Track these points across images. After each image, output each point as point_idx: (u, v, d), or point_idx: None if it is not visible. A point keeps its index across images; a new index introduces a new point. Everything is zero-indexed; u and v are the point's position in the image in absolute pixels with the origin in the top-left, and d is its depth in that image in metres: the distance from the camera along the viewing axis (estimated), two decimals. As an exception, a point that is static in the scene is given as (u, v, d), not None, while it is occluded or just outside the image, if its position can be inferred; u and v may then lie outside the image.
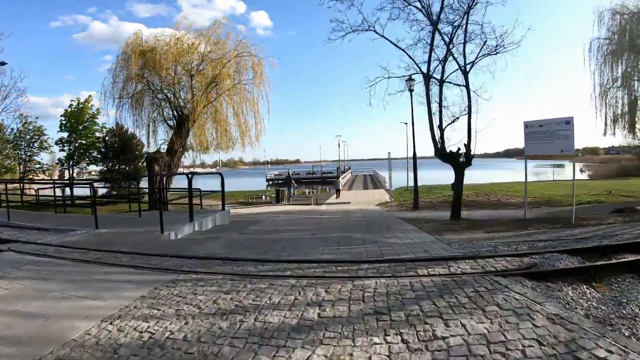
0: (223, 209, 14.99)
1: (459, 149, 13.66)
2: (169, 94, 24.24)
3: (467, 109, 13.57)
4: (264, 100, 25.79)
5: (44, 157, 35.06)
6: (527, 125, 12.76)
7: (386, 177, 48.74)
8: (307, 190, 42.86)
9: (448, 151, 13.83)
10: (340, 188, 37.83)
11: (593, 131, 24.46)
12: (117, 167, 33.05)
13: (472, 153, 13.58)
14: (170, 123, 24.76)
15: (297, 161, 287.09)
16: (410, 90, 20.58)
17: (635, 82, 20.84)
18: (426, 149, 20.60)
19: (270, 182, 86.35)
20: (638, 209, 13.56)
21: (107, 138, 33.11)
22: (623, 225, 10.05)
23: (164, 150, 24.00)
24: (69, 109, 32.70)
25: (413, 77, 17.19)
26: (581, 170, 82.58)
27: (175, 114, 24.13)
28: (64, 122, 32.95)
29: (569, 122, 11.83)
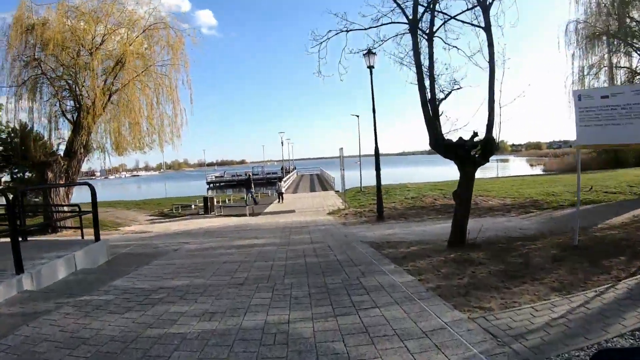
0: (97, 239, 9.51)
1: (475, 134, 8.25)
2: (69, 81, 19.32)
3: (489, 68, 8.23)
4: (184, 86, 21.32)
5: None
6: (581, 96, 7.77)
7: (336, 177, 44.18)
8: (245, 195, 37.56)
9: (454, 140, 8.55)
10: (283, 192, 33.46)
11: (567, 121, 21.90)
12: (19, 175, 27.03)
13: (495, 141, 8.34)
14: (70, 117, 19.93)
15: (243, 162, 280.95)
16: (370, 54, 15.29)
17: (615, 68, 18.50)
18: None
19: (212, 185, 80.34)
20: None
21: (9, 139, 26.62)
22: None
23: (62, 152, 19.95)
24: None
25: (383, 28, 10.97)
26: (531, 165, 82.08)
27: (77, 105, 19.52)
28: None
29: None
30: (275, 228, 15.52)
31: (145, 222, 22.42)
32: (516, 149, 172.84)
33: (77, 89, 19.00)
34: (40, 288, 6.92)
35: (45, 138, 20.82)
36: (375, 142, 17.16)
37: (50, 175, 18.57)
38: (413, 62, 9.11)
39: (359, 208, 20.88)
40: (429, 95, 8.74)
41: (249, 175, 36.81)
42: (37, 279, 7.00)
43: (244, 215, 21.99)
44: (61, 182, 18.70)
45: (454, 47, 9.20)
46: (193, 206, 26.53)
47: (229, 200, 33.50)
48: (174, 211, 26.04)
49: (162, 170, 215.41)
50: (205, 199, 24.80)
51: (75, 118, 19.43)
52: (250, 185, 31.52)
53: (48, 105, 19.89)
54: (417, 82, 8.84)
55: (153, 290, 6.26)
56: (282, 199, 31.24)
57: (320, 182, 53.96)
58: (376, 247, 9.51)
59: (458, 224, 8.84)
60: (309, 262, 7.91)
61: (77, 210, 11.84)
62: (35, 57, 18.24)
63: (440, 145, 8.61)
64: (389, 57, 9.96)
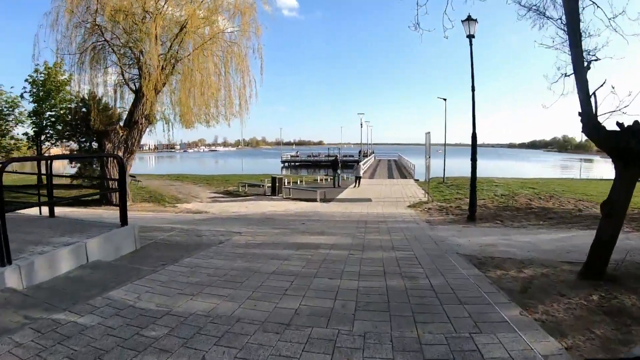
0: (123, 223, 7.73)
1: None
2: (132, 47, 18.09)
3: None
4: (255, 55, 20.05)
5: (19, 132, 27.94)
6: None
7: (416, 164, 41.26)
8: (319, 177, 35.61)
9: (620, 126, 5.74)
10: (361, 175, 31.07)
11: None
12: (84, 145, 26.30)
13: None
14: (133, 86, 19.40)
15: (320, 142, 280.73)
16: (471, 20, 13.07)
17: None
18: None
19: (286, 165, 79.39)
20: None
21: (77, 109, 25.87)
22: None
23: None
24: (34, 75, 25.43)
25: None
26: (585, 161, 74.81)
27: (139, 73, 18.51)
28: (27, 90, 25.66)
29: None
30: (348, 220, 13.31)
31: (208, 199, 21.11)
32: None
33: (140, 57, 17.90)
34: (30, 285, 5.25)
35: (113, 108, 20.12)
36: (473, 127, 14.44)
37: (108, 145, 18.07)
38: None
39: (443, 202, 18.38)
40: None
41: (337, 156, 34.83)
42: (28, 273, 5.35)
43: (314, 200, 19.94)
44: (119, 153, 17.81)
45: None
46: (262, 186, 24.74)
47: (301, 181, 31.41)
48: (239, 190, 24.48)
49: (239, 146, 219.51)
50: (274, 179, 23.01)
51: (137, 87, 18.62)
52: (338, 166, 29.70)
53: (114, 74, 19.50)
54: (567, 36, 6.20)
55: (153, 319, 4.20)
56: (359, 183, 29.00)
57: (399, 169, 51.15)
58: (478, 264, 7.13)
59: (602, 247, 6.11)
60: (391, 288, 5.49)
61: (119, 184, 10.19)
62: (97, 22, 17.10)
63: (597, 131, 5.91)
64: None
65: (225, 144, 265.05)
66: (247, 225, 11.86)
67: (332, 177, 31.63)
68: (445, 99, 32.13)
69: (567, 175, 47.51)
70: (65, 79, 23.02)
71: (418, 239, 9.82)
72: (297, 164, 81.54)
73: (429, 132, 20.36)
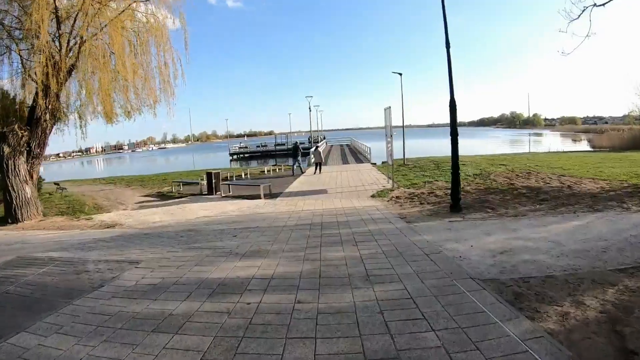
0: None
1: None
2: (29, 27, 14.60)
3: None
4: (177, 26, 17.56)
5: None
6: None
7: (372, 147, 38.39)
8: (265, 168, 32.15)
9: None
10: (322, 160, 27.64)
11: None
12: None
13: None
14: (35, 76, 15.61)
15: (271, 132, 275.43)
16: None
17: None
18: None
19: (235, 157, 75.39)
20: None
21: None
22: None
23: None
24: None
25: None
26: (574, 140, 74.46)
27: (38, 59, 14.90)
28: None
29: None
30: (298, 225, 9.98)
31: (135, 204, 17.82)
32: (550, 124, 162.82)
33: (37, 37, 14.29)
34: None
35: (12, 102, 16.84)
36: (451, 92, 11.09)
37: (6, 149, 14.78)
38: None
39: (411, 188, 15.50)
40: None
41: (297, 143, 31.35)
42: None
43: (258, 196, 16.56)
44: (21, 158, 15.07)
45: None
46: (200, 183, 21.02)
47: (246, 174, 27.73)
48: (173, 191, 20.93)
49: (189, 142, 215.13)
50: (209, 175, 19.34)
51: (38, 74, 14.95)
52: (298, 154, 26.48)
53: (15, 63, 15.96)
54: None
55: None
56: (321, 169, 26.07)
57: (353, 153, 48.12)
58: (513, 299, 4.52)
59: None
60: None
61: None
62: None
63: None
64: None
65: (174, 141, 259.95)
66: (155, 246, 8.58)
67: (290, 166, 29.18)
68: (400, 74, 29.00)
69: (516, 150, 46.82)
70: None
71: (401, 252, 6.73)
72: (246, 155, 77.57)
73: (389, 107, 17.27)
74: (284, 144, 76.54)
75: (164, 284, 5.76)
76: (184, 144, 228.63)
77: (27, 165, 15.39)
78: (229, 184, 19.24)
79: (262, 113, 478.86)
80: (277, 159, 61.19)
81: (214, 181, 18.71)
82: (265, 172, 29.75)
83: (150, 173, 37.72)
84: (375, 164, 31.31)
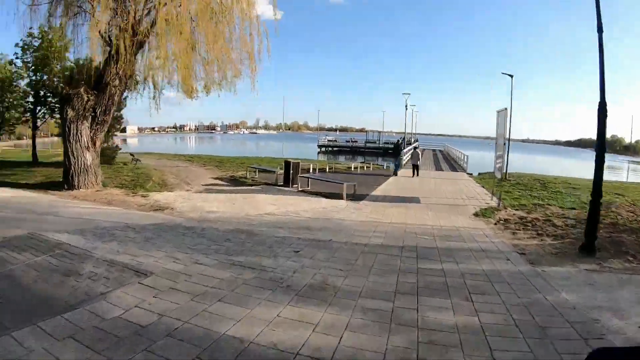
0: None
1: None
2: None
3: None
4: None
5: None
6: None
7: (470, 155, 35.11)
8: (353, 165, 29.79)
9: None
10: (419, 163, 25.26)
11: None
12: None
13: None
14: (107, 39, 14.78)
15: (362, 130, 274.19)
16: None
17: None
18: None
19: (323, 149, 73.84)
20: None
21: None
22: None
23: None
24: (27, 39, 21.76)
25: None
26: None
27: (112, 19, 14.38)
28: (19, 56, 22.44)
29: None
30: (383, 247, 7.49)
31: (201, 186, 16.42)
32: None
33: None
34: None
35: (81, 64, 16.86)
36: (602, 92, 8.09)
37: (70, 112, 14.07)
38: None
39: (519, 210, 12.72)
40: None
41: (399, 141, 28.93)
42: None
43: (339, 196, 14.31)
44: (84, 124, 14.32)
45: None
46: (277, 172, 18.90)
47: (331, 169, 25.56)
48: (247, 176, 19.19)
49: (281, 130, 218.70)
50: (288, 164, 17.22)
51: (110, 39, 14.45)
52: (400, 153, 24.27)
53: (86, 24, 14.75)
54: None
55: None
56: (418, 172, 24.46)
57: (446, 160, 44.72)
58: None
59: None
60: None
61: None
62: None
63: None
64: None
65: (266, 127, 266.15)
66: (185, 250, 6.44)
67: (379, 165, 26.47)
68: (511, 75, 25.60)
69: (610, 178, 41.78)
70: (64, 44, 18.69)
71: (543, 327, 4.09)
72: (334, 149, 75.81)
73: (503, 110, 14.36)
74: (375, 142, 73.95)
75: (156, 329, 3.58)
76: (274, 131, 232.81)
77: (90, 132, 14.57)
78: (308, 177, 17.07)
79: (352, 110, 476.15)
80: (366, 156, 58.74)
81: (291, 172, 16.72)
82: (353, 169, 27.43)
83: (232, 155, 37.01)
84: (472, 174, 28.28)
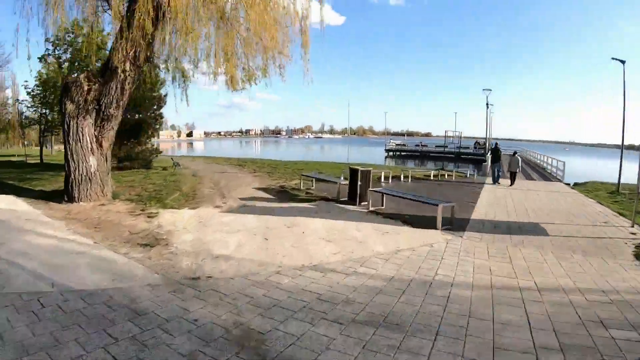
0: None
1: None
2: None
3: None
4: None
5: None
6: None
7: (567, 162, 29.36)
8: (432, 172, 24.35)
9: None
10: (519, 170, 21.83)
11: None
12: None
13: None
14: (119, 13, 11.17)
15: (429, 134, 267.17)
16: None
17: None
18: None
19: (390, 154, 68.82)
20: None
21: None
22: None
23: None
24: (59, 34, 19.13)
25: None
26: None
27: None
28: (50, 52, 21.12)
29: None
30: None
31: (239, 200, 12.21)
32: None
33: None
34: None
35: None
36: None
37: (69, 106, 10.96)
38: None
39: None
40: None
41: (497, 144, 24.09)
42: None
43: (428, 222, 9.70)
44: (87, 119, 11.16)
45: None
46: (339, 183, 13.53)
47: (406, 177, 20.47)
48: (301, 187, 14.97)
49: (346, 134, 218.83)
50: (354, 173, 12.39)
51: (122, 13, 10.96)
52: (499, 158, 21.44)
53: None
54: None
55: None
56: (514, 180, 21.10)
57: (530, 167, 38.33)
58: None
59: None
60: None
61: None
62: None
63: None
64: None
65: (332, 132, 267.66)
66: None
67: (461, 174, 24.25)
68: (623, 62, 20.05)
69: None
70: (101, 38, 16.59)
71: None
72: (402, 153, 70.36)
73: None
74: (446, 147, 67.98)
75: None
76: (339, 136, 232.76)
77: (95, 130, 11.39)
78: (382, 193, 12.03)
79: (420, 114, 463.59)
80: (437, 161, 53.72)
81: (359, 183, 12.09)
82: (432, 178, 22.37)
83: (292, 159, 34.27)
84: (569, 184, 23.49)
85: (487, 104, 40.80)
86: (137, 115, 21.30)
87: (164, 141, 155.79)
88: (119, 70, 10.94)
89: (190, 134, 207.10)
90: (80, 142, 10.92)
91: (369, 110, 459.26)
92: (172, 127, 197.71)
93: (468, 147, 63.28)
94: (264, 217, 9.67)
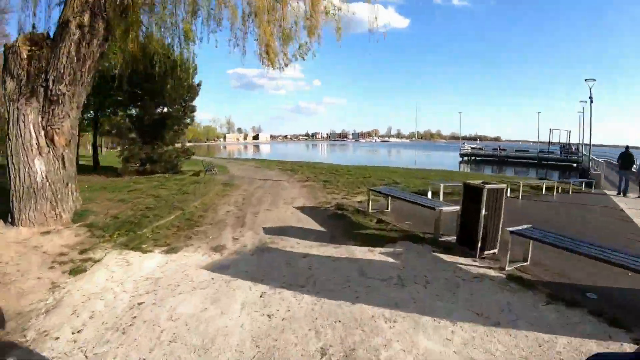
0: None
1: None
2: None
3: None
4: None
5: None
6: None
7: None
8: (544, 185, 17.55)
9: None
10: None
11: None
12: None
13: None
14: None
15: (497, 139, 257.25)
16: None
17: None
18: None
19: (465, 159, 62.06)
20: None
21: None
22: None
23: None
24: None
25: None
26: None
27: None
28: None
29: None
30: None
31: (263, 236, 7.25)
32: None
33: None
34: None
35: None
36: None
37: (9, 84, 7.31)
38: None
39: None
40: None
41: (628, 147, 18.55)
42: None
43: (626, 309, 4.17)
44: (31, 103, 7.39)
45: None
46: (440, 209, 7.37)
47: (514, 190, 13.99)
48: (369, 211, 9.25)
49: (413, 138, 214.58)
50: (473, 193, 6.25)
51: None
52: (632, 165, 16.68)
53: None
54: None
55: None
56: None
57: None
58: None
59: None
60: None
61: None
62: None
63: None
64: None
65: (399, 136, 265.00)
66: None
67: (566, 183, 18.52)
68: None
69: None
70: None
71: None
72: (478, 158, 63.15)
73: None
74: (526, 151, 61.04)
75: None
76: (407, 140, 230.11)
77: (42, 118, 7.49)
78: (529, 237, 5.75)
79: (488, 117, 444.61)
80: (516, 167, 49.02)
81: (483, 212, 6.11)
82: (544, 192, 16.14)
83: (357, 163, 31.43)
84: None
85: (589, 98, 32.58)
86: (162, 108, 17.59)
87: (231, 143, 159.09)
88: (72, 26, 7.25)
89: (256, 137, 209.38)
90: (21, 137, 7.25)
91: (435, 113, 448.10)
92: (239, 130, 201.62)
93: (552, 152, 55.70)
94: (288, 296, 4.47)
